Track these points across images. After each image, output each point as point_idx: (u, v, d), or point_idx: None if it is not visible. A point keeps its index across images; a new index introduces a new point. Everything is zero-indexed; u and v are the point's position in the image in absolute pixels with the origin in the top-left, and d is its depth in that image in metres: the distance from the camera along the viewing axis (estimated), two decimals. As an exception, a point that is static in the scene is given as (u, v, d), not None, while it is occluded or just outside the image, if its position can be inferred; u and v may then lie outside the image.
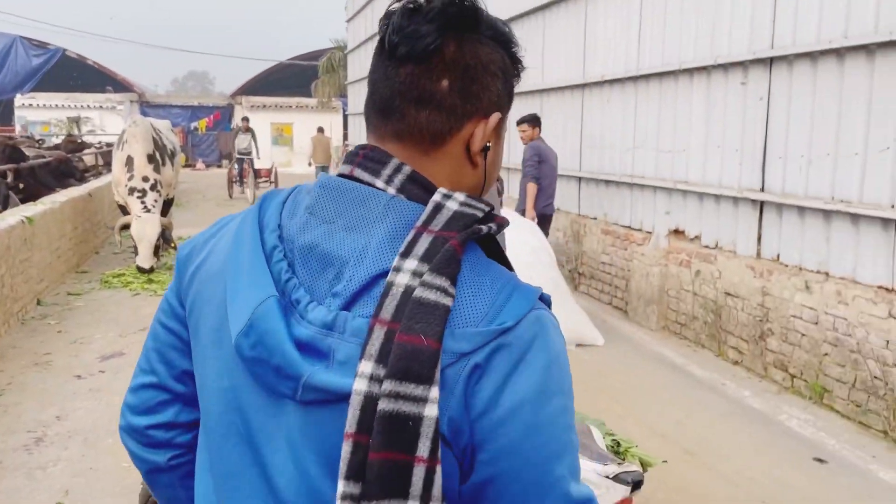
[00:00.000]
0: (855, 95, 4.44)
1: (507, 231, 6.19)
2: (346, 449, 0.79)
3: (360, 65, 20.15)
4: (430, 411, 0.77)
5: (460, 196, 0.89)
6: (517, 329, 0.81)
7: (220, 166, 29.33)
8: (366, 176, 0.91)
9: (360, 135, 20.61)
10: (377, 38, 0.93)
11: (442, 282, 0.81)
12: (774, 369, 5.06)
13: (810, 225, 4.80)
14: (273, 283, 0.86)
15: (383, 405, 0.77)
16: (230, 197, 17.34)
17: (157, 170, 8.70)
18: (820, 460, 3.95)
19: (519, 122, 7.01)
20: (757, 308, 5.20)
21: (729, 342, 5.54)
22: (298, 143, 28.30)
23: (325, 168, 19.41)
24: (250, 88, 32.57)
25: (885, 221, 4.23)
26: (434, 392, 0.78)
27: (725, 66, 5.57)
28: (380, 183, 0.90)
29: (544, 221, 7.01)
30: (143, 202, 8.36)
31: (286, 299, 0.86)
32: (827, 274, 4.65)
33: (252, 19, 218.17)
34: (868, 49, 4.32)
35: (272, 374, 0.84)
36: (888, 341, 4.16)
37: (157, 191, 8.59)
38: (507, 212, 6.51)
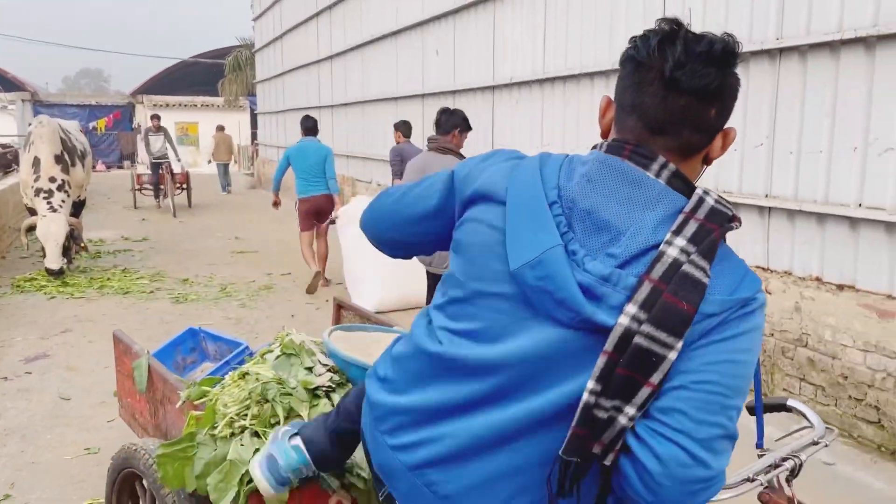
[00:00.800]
0: (733, 98, 5.01)
1: None
2: (601, 360, 1.10)
3: (269, 63, 19.99)
4: (672, 355, 1.08)
5: (714, 194, 1.17)
6: (750, 301, 1.13)
7: (121, 167, 28.37)
8: (637, 166, 1.17)
9: (270, 134, 20.45)
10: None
11: (704, 264, 1.10)
12: (671, 344, 5.61)
13: (699, 214, 5.36)
14: (558, 234, 1.14)
15: (639, 340, 1.08)
16: (134, 206, 15.10)
17: (65, 170, 8.53)
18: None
19: (394, 127, 7.89)
20: (655, 290, 5.74)
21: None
22: (205, 142, 27.72)
23: (226, 165, 19.21)
24: (152, 87, 31.59)
25: (760, 209, 4.81)
26: (679, 344, 1.08)
27: (622, 71, 6.09)
28: (650, 174, 1.17)
29: None
30: (49, 203, 8.19)
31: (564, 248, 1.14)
32: (713, 257, 5.22)
33: (151, 16, 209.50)
34: (743, 57, 4.89)
35: (552, 303, 1.13)
36: (765, 314, 4.74)
37: (65, 191, 8.43)
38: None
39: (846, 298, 4.21)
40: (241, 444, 2.04)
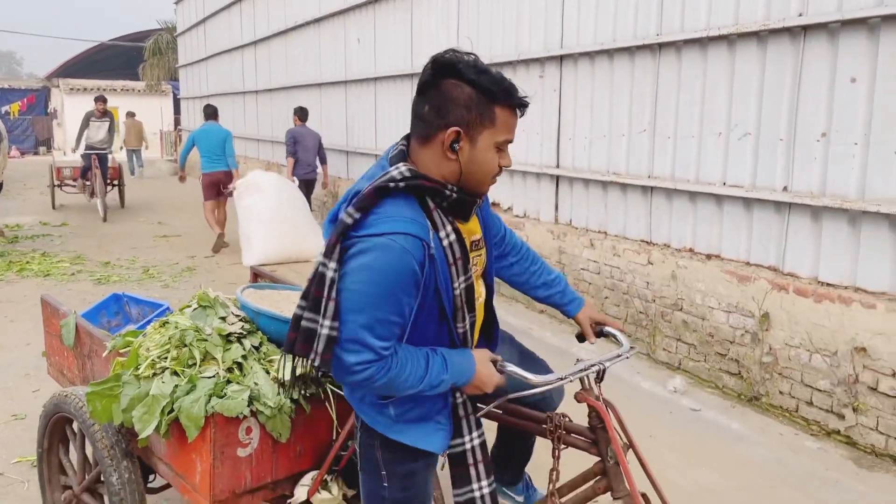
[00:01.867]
0: (622, 88, 5.52)
1: (277, 189, 7.76)
2: (306, 284, 1.65)
3: (193, 48, 19.74)
4: (331, 273, 1.61)
5: (403, 168, 1.66)
6: (364, 239, 1.60)
7: (37, 153, 27.44)
8: (391, 146, 1.77)
9: (193, 120, 20.22)
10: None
11: (353, 212, 1.61)
12: (570, 314, 6.12)
13: (593, 194, 5.88)
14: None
15: (319, 267, 1.62)
16: (53, 207, 12.72)
17: (-24, 156, 8.43)
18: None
19: (293, 112, 9.63)
20: (556, 265, 6.24)
21: (536, 295, 6.55)
22: (124, 127, 27.07)
23: (136, 151, 19.57)
24: (68, 70, 30.55)
25: (644, 189, 5.35)
26: (333, 265, 1.61)
27: (527, 62, 6.55)
28: (391, 153, 1.75)
29: (309, 184, 9.43)
30: None
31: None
32: (605, 233, 5.75)
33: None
34: (630, 51, 5.40)
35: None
36: (648, 283, 5.29)
37: (-26, 178, 8.33)
38: (279, 177, 8.82)
39: (713, 266, 4.77)
40: (163, 382, 2.36)
